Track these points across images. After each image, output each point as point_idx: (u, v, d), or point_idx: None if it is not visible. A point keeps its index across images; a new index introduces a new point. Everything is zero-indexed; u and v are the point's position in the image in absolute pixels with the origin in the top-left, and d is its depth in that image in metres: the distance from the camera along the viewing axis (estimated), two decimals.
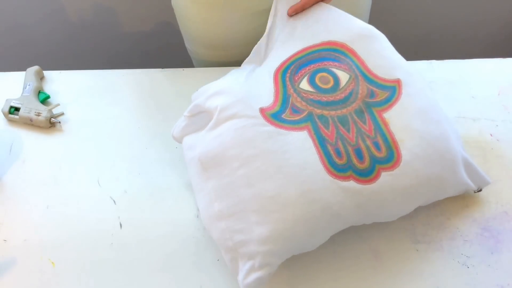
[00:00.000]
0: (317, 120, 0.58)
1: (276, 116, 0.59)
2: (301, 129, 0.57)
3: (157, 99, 0.79)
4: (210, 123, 0.60)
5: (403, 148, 0.56)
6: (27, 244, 0.64)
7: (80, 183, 0.70)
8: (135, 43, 1.42)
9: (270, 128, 0.57)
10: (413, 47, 1.49)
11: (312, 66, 0.62)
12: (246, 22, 0.81)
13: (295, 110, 0.59)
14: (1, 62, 1.44)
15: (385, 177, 0.56)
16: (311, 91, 0.60)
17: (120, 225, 0.66)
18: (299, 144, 0.56)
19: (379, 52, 0.63)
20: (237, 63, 0.85)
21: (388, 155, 0.56)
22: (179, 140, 0.67)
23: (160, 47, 1.44)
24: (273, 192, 0.54)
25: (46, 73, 0.82)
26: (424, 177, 0.57)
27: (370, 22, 0.79)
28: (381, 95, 0.59)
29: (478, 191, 0.65)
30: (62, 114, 0.76)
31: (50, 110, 0.75)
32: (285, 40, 0.68)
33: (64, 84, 0.81)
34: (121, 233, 0.65)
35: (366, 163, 0.56)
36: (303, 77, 0.61)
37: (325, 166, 0.55)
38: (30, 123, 0.75)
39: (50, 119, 0.74)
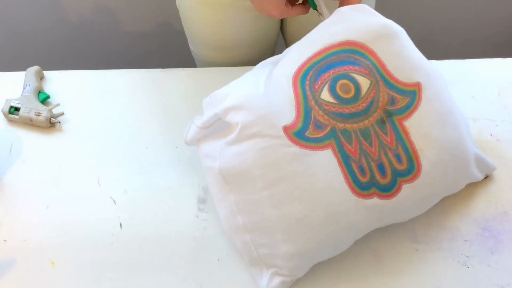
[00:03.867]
0: (340, 136, 0.57)
1: (299, 134, 0.57)
2: (325, 147, 0.57)
3: (157, 99, 0.79)
4: (231, 137, 0.59)
5: (423, 158, 0.57)
6: (27, 244, 0.64)
7: (80, 183, 0.70)
8: (135, 43, 1.42)
9: (294, 149, 0.56)
10: None
11: (331, 71, 0.59)
12: (251, 23, 0.81)
13: (318, 126, 0.57)
14: (1, 62, 1.44)
15: (406, 190, 0.57)
16: (332, 103, 0.58)
17: (120, 225, 0.66)
18: (324, 165, 0.56)
19: (400, 53, 0.61)
20: (242, 64, 0.85)
21: (408, 167, 0.57)
22: (192, 144, 0.66)
23: (160, 47, 1.44)
24: (300, 214, 0.55)
25: (46, 73, 0.82)
26: (441, 184, 0.59)
27: None
28: (402, 101, 0.58)
29: (485, 178, 0.67)
30: (62, 114, 0.76)
31: (50, 110, 0.75)
32: (302, 41, 0.65)
33: (64, 84, 0.81)
34: (121, 233, 0.65)
35: (388, 177, 0.56)
36: (324, 85, 0.59)
37: (349, 185, 0.56)
38: (30, 123, 0.75)
39: (50, 119, 0.74)
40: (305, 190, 0.56)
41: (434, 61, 0.83)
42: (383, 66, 0.59)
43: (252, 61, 0.87)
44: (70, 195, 0.68)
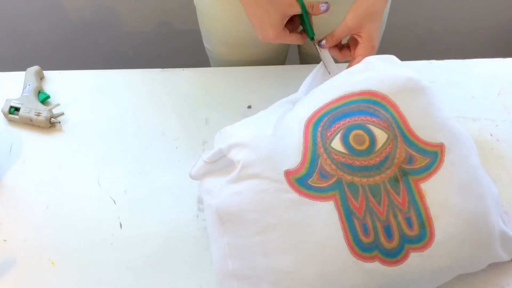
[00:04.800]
0: (346, 188, 0.52)
1: (301, 181, 0.53)
2: (327, 198, 0.52)
3: (157, 99, 0.79)
4: (232, 175, 0.56)
5: (437, 227, 0.52)
6: (27, 244, 0.64)
7: (80, 183, 0.70)
8: (135, 43, 1.42)
9: (293, 195, 0.53)
10: (413, 47, 1.50)
11: (347, 120, 0.55)
12: None
13: (323, 175, 0.53)
14: (1, 62, 1.44)
15: (414, 259, 0.52)
16: (343, 153, 0.53)
17: (120, 225, 0.66)
18: (324, 218, 0.52)
19: (424, 109, 0.56)
20: (256, 62, 0.85)
21: (420, 234, 0.52)
22: (197, 178, 0.63)
23: (160, 48, 1.44)
24: (290, 268, 0.52)
25: (46, 73, 0.82)
26: (456, 259, 0.53)
27: None
28: (421, 161, 0.54)
29: (511, 260, 0.61)
30: (62, 114, 0.76)
31: (50, 110, 0.75)
32: (323, 85, 0.62)
33: (64, 84, 0.81)
34: (121, 233, 0.65)
35: (395, 242, 0.52)
36: (336, 134, 0.55)
37: (349, 244, 0.51)
38: (30, 123, 0.75)
39: (50, 119, 0.74)
40: (299, 242, 0.52)
41: (434, 61, 0.83)
42: (404, 121, 0.55)
43: (266, 60, 0.87)
44: (70, 195, 0.68)
